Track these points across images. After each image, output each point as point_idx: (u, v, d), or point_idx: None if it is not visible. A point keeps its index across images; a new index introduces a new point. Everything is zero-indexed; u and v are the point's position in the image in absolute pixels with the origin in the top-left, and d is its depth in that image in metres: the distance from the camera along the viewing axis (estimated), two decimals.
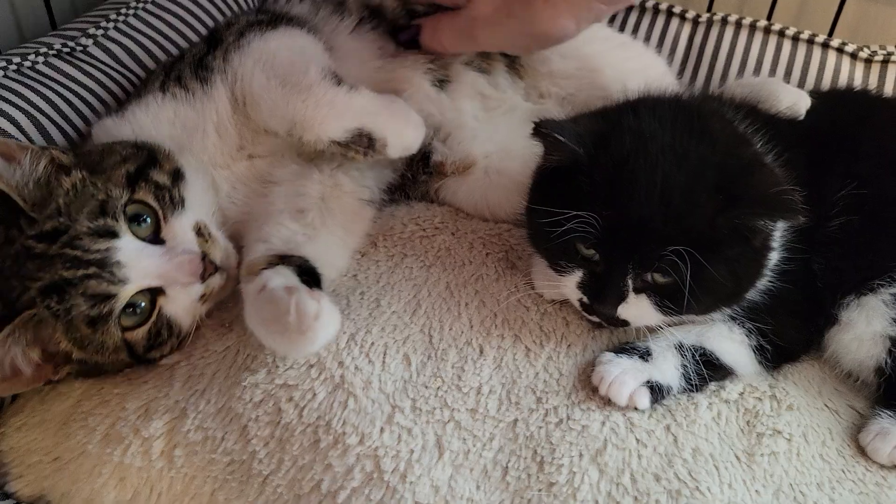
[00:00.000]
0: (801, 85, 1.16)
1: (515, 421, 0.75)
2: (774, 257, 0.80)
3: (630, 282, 0.75)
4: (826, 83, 1.17)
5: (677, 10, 1.29)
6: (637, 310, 0.77)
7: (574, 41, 0.88)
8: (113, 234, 0.75)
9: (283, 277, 0.76)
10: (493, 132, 1.01)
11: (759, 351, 0.82)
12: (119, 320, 0.76)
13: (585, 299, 0.79)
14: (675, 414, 0.77)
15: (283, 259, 0.81)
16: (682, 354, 0.79)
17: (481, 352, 0.80)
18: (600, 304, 0.77)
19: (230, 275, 0.84)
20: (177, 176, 0.83)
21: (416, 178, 1.01)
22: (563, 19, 0.83)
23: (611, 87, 1.00)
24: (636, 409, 0.76)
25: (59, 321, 0.74)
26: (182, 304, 0.79)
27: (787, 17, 1.34)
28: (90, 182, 0.77)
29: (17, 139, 0.89)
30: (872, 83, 1.16)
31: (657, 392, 0.77)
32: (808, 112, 0.90)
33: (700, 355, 0.79)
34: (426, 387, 0.76)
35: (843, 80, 1.17)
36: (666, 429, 0.75)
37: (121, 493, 0.76)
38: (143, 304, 0.77)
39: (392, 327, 0.81)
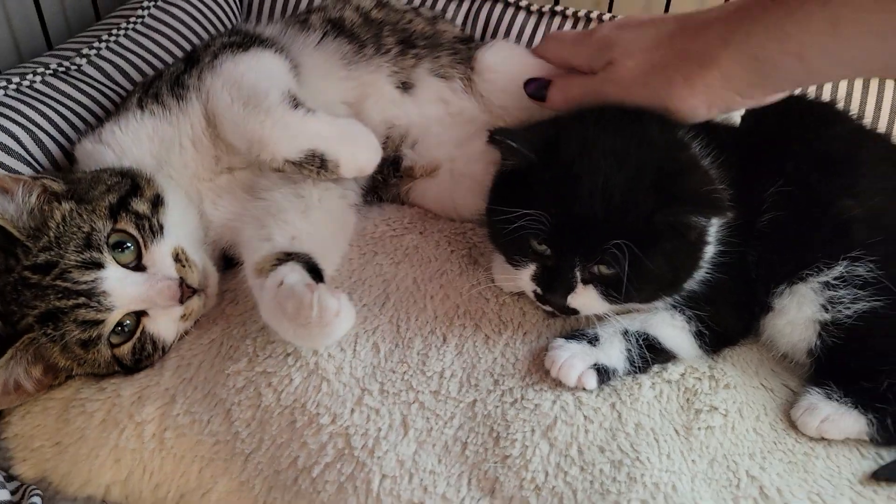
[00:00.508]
0: None
1: (474, 401, 0.82)
2: (711, 250, 0.85)
3: (578, 273, 0.82)
4: None
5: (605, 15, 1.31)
6: (585, 299, 0.83)
7: (524, 79, 0.94)
8: (98, 266, 0.81)
9: (298, 274, 0.82)
10: (457, 137, 1.08)
11: (699, 336, 0.87)
12: (108, 340, 0.82)
13: (539, 290, 0.85)
14: (620, 393, 0.83)
15: (289, 256, 0.86)
16: (627, 340, 0.85)
17: (444, 340, 0.87)
18: (552, 295, 0.84)
19: (208, 294, 0.89)
20: (157, 202, 0.88)
21: (387, 181, 1.07)
22: (696, 101, 0.83)
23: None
24: (585, 389, 0.82)
25: (56, 344, 0.81)
26: (164, 324, 0.86)
27: None
28: (77, 213, 0.83)
29: (18, 154, 0.96)
30: None
31: (604, 374, 0.83)
32: (743, 118, 0.96)
33: (644, 340, 0.85)
34: (393, 371, 0.83)
35: None
36: (611, 406, 0.82)
37: (116, 473, 0.82)
38: (129, 323, 0.83)
39: (363, 318, 0.88)
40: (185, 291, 0.84)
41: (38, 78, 1.07)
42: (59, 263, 0.80)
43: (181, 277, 0.85)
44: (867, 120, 1.19)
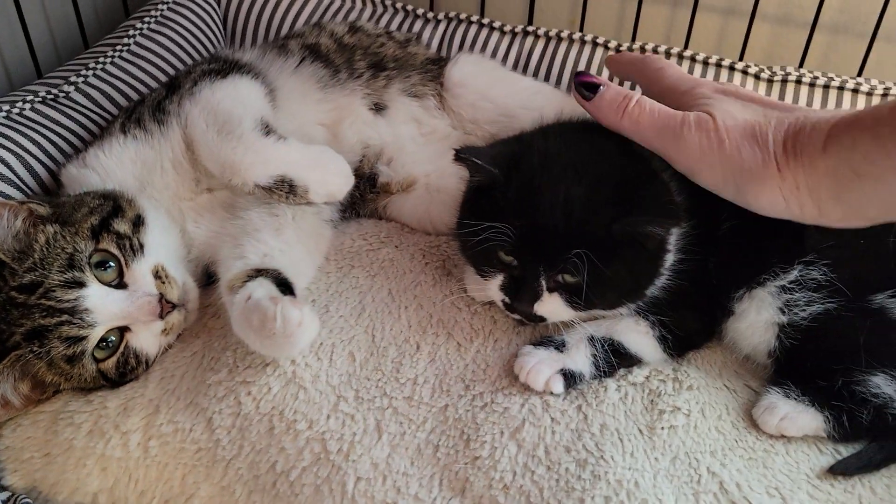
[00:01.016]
0: None
1: (446, 406, 0.85)
2: (671, 258, 0.88)
3: (543, 282, 0.85)
4: None
5: (588, 38, 1.35)
6: (551, 306, 0.87)
7: (491, 92, 0.96)
8: (81, 285, 0.84)
9: (265, 289, 0.85)
10: (431, 154, 1.12)
11: (663, 341, 0.90)
12: (93, 355, 0.86)
13: (507, 299, 0.89)
14: (586, 396, 0.86)
15: (259, 272, 0.88)
16: (593, 345, 0.88)
17: (418, 348, 0.90)
18: (519, 303, 0.87)
19: (189, 308, 0.93)
20: (138, 222, 0.91)
21: (364, 197, 1.11)
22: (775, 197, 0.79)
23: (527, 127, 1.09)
24: (552, 393, 0.85)
25: (42, 361, 0.84)
26: (146, 339, 0.89)
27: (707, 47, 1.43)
28: (61, 235, 0.86)
29: (9, 179, 0.99)
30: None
31: (570, 378, 0.86)
32: None
33: (609, 346, 0.88)
34: (368, 379, 0.87)
35: None
36: (578, 408, 0.85)
37: (103, 481, 0.84)
38: (112, 339, 0.87)
39: (339, 329, 0.91)
40: (165, 307, 0.87)
41: (28, 105, 1.10)
42: (44, 283, 0.83)
43: (161, 294, 0.88)
44: None
